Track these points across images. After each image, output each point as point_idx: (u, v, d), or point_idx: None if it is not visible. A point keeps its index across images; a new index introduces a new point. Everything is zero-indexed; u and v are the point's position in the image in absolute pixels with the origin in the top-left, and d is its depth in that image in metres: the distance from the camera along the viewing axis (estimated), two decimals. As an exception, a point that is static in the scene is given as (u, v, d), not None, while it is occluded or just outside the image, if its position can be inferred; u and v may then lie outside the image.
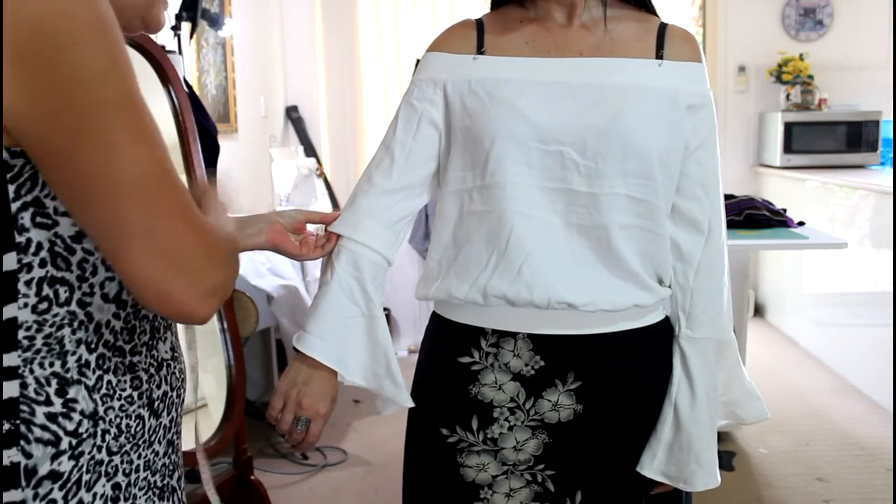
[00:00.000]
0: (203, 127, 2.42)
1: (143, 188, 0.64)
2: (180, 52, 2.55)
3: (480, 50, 1.15)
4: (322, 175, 4.62)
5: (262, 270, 3.20)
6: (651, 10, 1.18)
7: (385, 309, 4.16)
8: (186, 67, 2.83)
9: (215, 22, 3.36)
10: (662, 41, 1.13)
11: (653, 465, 1.18)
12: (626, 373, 1.15)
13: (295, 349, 1.13)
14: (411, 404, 1.17)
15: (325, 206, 4.45)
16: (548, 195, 1.09)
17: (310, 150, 4.85)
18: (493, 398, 1.14)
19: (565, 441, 1.14)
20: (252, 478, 2.48)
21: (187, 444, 0.99)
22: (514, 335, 1.13)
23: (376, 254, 1.14)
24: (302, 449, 1.14)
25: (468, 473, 1.16)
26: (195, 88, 3.18)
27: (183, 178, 2.29)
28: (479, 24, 1.18)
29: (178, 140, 2.30)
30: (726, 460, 2.85)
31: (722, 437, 3.00)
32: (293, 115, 4.91)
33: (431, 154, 1.17)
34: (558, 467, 1.15)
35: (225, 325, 2.43)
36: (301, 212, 1.16)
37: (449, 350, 1.17)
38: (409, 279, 3.98)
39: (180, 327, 0.96)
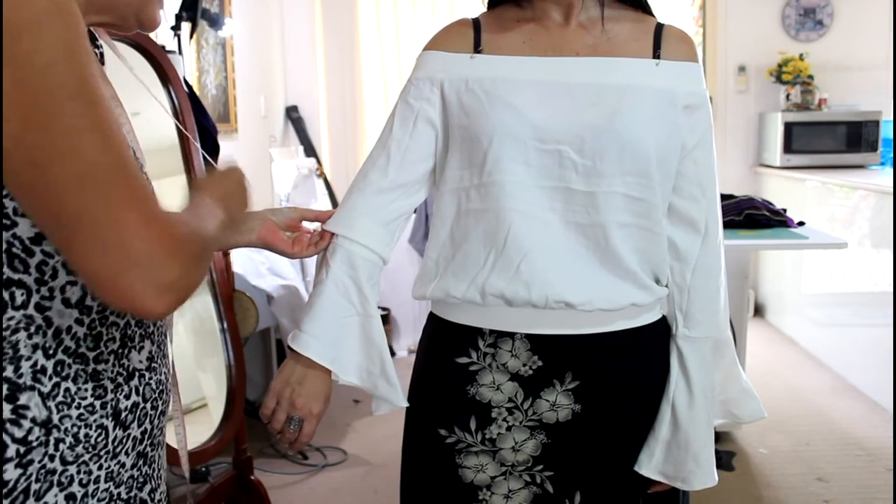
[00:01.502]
0: (203, 127, 2.42)
1: (92, 177, 0.63)
2: (180, 52, 2.55)
3: (478, 49, 1.15)
4: (322, 175, 4.62)
5: (262, 270, 3.20)
6: (647, 11, 1.18)
7: (385, 309, 4.16)
8: (186, 67, 2.83)
9: (215, 22, 3.36)
10: (659, 41, 1.13)
11: (651, 465, 1.18)
12: (623, 372, 1.15)
13: (289, 347, 1.13)
14: (405, 404, 1.17)
15: (325, 206, 4.45)
16: (546, 194, 1.09)
17: (310, 150, 4.85)
18: (492, 398, 1.14)
19: (564, 441, 1.14)
20: (252, 478, 2.48)
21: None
22: (511, 335, 1.13)
23: (372, 252, 1.14)
24: (295, 448, 1.14)
25: (466, 474, 1.16)
26: (195, 88, 3.18)
27: (182, 178, 2.29)
28: (476, 23, 1.18)
29: (179, 140, 2.30)
30: (726, 460, 2.85)
31: (722, 436, 3.00)
32: (293, 115, 4.91)
33: (428, 152, 1.17)
34: (557, 468, 1.15)
35: (225, 325, 2.43)
36: (296, 209, 1.16)
37: (446, 351, 1.17)
38: (409, 279, 3.96)
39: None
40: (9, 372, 0.69)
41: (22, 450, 0.69)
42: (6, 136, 0.61)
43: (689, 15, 5.02)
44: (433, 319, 1.22)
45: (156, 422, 0.83)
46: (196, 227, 0.73)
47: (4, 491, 0.68)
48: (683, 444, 1.16)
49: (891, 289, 3.32)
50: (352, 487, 2.77)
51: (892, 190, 3.32)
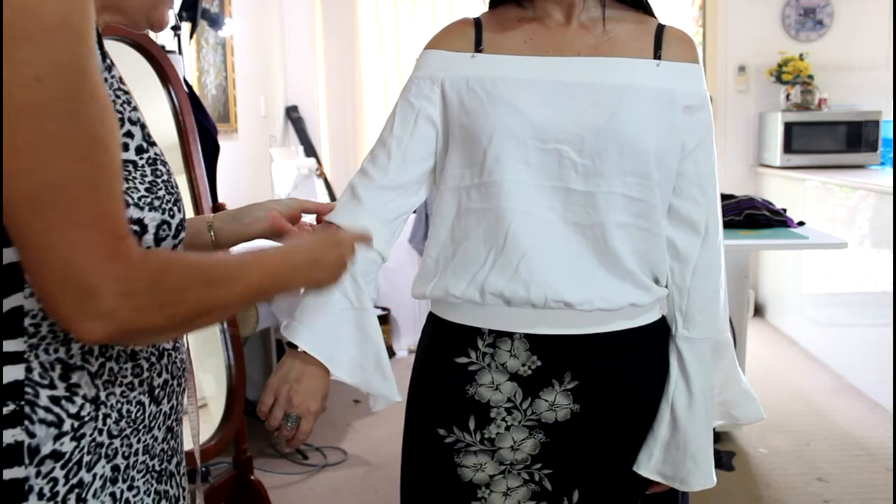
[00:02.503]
0: (203, 127, 2.42)
1: (45, 197, 0.62)
2: (180, 52, 2.55)
3: (479, 48, 1.15)
4: (322, 175, 4.62)
5: (262, 270, 3.19)
6: (649, 12, 1.18)
7: (385, 309, 4.16)
8: (186, 67, 2.83)
9: (215, 22, 3.36)
10: (660, 42, 1.13)
11: (649, 465, 1.18)
12: (622, 372, 1.15)
13: (288, 344, 1.13)
14: (399, 398, 1.17)
15: (325, 206, 4.45)
16: (545, 193, 1.09)
17: (310, 150, 4.85)
18: (490, 398, 1.14)
19: (562, 441, 1.14)
20: (252, 478, 2.48)
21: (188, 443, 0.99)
22: (510, 335, 1.13)
23: (371, 249, 1.14)
24: (292, 446, 1.14)
25: (465, 473, 1.16)
26: (195, 88, 3.18)
27: (182, 177, 2.29)
28: (478, 22, 1.18)
29: (178, 140, 2.30)
30: (726, 460, 2.85)
31: (722, 437, 3.00)
32: (293, 115, 4.91)
33: (428, 151, 1.17)
34: (555, 466, 1.15)
35: (225, 325, 2.43)
36: (297, 200, 1.17)
37: (446, 350, 1.17)
38: (409, 279, 3.95)
39: None
40: (61, 353, 0.74)
41: (76, 424, 0.74)
42: None
43: (689, 15, 5.02)
44: (432, 319, 1.22)
45: (180, 398, 0.88)
46: (179, 265, 0.72)
47: (62, 462, 0.73)
48: (682, 444, 1.16)
49: (891, 289, 3.32)
50: (352, 487, 2.78)
51: (892, 190, 3.32)
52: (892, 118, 4.61)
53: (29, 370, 0.72)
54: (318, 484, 2.81)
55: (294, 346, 1.13)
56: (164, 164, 0.81)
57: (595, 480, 1.16)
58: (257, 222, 1.11)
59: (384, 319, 4.10)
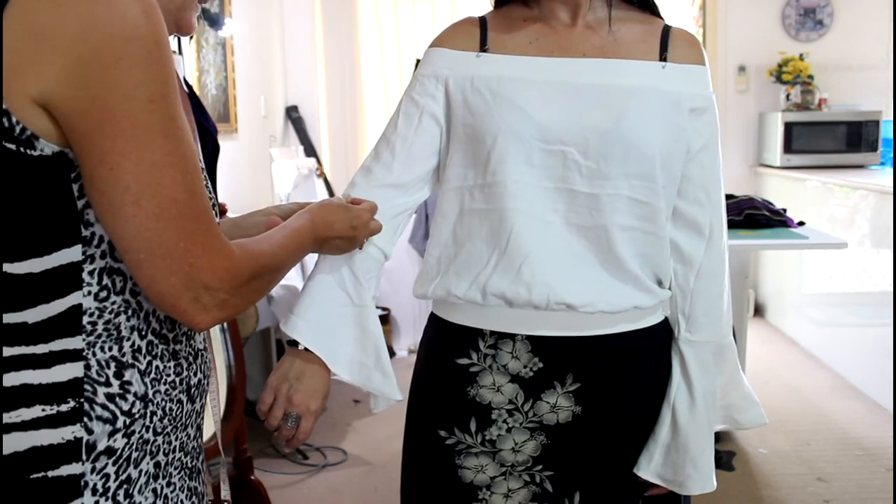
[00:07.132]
0: (203, 127, 2.41)
1: (171, 210, 0.70)
2: (180, 52, 2.56)
3: (483, 47, 1.14)
4: (322, 175, 4.62)
5: (262, 270, 3.19)
6: (655, 13, 1.18)
7: (385, 309, 4.16)
8: (186, 67, 2.83)
9: (215, 22, 3.36)
10: (666, 43, 1.13)
11: (649, 467, 1.18)
12: (624, 375, 1.14)
13: (288, 342, 1.13)
14: (400, 397, 1.17)
15: (325, 206, 4.43)
16: (549, 195, 1.09)
17: (310, 150, 4.85)
18: (492, 400, 1.14)
19: (564, 443, 1.14)
20: (252, 478, 2.48)
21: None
22: (512, 337, 1.13)
23: (373, 245, 1.14)
24: (291, 446, 1.14)
25: (466, 475, 1.16)
26: (195, 88, 3.18)
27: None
28: (483, 21, 1.17)
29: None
30: (726, 460, 2.85)
31: (722, 436, 3.00)
32: (293, 115, 4.91)
33: (432, 149, 1.16)
34: (556, 468, 1.15)
35: (225, 325, 2.43)
36: (298, 204, 1.17)
37: (447, 351, 1.17)
38: (410, 279, 3.97)
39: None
40: (115, 351, 0.77)
41: (128, 421, 0.77)
42: (103, 162, 0.67)
43: (689, 15, 5.02)
44: (434, 320, 1.22)
45: (208, 396, 0.92)
46: (263, 255, 0.82)
47: (114, 458, 0.76)
48: (682, 448, 1.16)
49: (891, 289, 3.32)
50: (352, 487, 2.78)
51: (892, 190, 3.32)
52: (892, 118, 4.61)
53: (87, 367, 0.75)
54: (318, 484, 2.81)
55: (294, 345, 1.12)
56: (203, 169, 0.83)
57: (596, 482, 1.16)
58: (258, 227, 1.11)
59: (384, 319, 4.11)
